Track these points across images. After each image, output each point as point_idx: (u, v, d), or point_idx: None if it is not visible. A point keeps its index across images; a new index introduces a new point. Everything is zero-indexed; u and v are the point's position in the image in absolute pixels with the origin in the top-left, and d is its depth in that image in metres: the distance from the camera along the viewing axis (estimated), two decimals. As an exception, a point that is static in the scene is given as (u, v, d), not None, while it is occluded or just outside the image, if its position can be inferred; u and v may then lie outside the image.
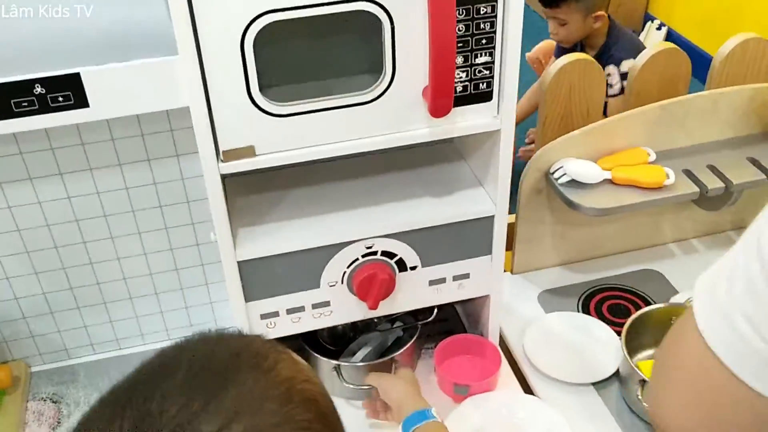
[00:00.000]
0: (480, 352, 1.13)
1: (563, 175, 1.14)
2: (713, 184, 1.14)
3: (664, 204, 1.14)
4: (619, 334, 1.13)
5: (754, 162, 1.18)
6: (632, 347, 1.07)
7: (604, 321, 1.19)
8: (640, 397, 1.01)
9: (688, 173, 1.16)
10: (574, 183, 1.14)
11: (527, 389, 1.12)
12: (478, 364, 1.12)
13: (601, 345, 1.15)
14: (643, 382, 1.01)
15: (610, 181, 1.15)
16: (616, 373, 1.09)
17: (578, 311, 1.22)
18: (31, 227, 1.05)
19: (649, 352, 1.11)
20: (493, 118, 0.92)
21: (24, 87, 0.77)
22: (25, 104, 0.78)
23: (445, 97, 0.85)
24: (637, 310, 1.21)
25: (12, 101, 0.77)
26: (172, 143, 1.04)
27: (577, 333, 1.17)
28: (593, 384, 1.09)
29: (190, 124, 0.82)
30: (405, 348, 1.11)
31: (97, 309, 1.16)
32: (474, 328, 1.19)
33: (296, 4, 0.78)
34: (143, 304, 1.18)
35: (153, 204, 1.08)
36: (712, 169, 1.17)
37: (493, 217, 1.01)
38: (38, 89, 0.77)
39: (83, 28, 0.79)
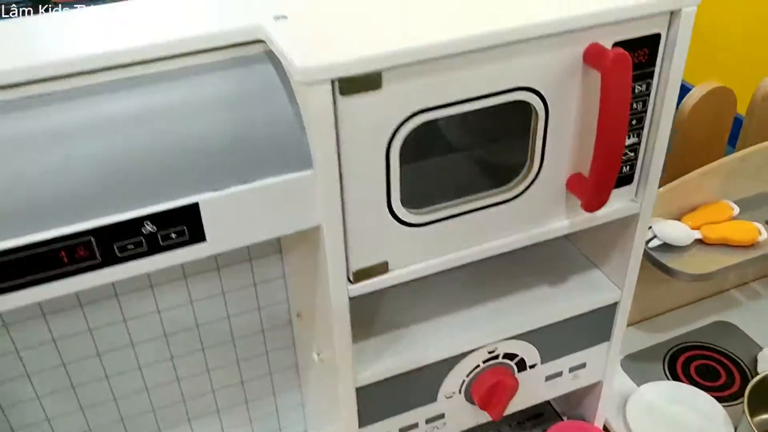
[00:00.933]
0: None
1: (653, 238, 1.06)
2: (802, 235, 1.09)
3: (759, 262, 1.08)
4: (718, 399, 1.07)
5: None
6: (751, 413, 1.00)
7: (696, 386, 1.12)
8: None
9: (771, 226, 1.11)
10: (665, 246, 1.07)
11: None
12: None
13: (704, 416, 1.08)
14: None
15: (701, 241, 1.08)
16: (732, 447, 1.02)
17: (667, 377, 1.14)
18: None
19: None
20: (631, 202, 0.82)
21: (131, 227, 0.61)
22: (131, 247, 0.62)
23: (606, 191, 0.74)
24: (724, 369, 1.15)
25: (115, 245, 0.61)
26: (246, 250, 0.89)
27: (678, 405, 1.09)
28: (711, 462, 1.02)
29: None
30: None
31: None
32: (571, 410, 1.09)
33: (450, 101, 0.66)
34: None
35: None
36: (795, 218, 1.12)
37: (617, 303, 0.91)
38: (148, 227, 0.61)
39: (193, 146, 0.63)
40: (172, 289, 0.86)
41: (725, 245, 1.07)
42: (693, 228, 1.08)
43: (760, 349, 1.18)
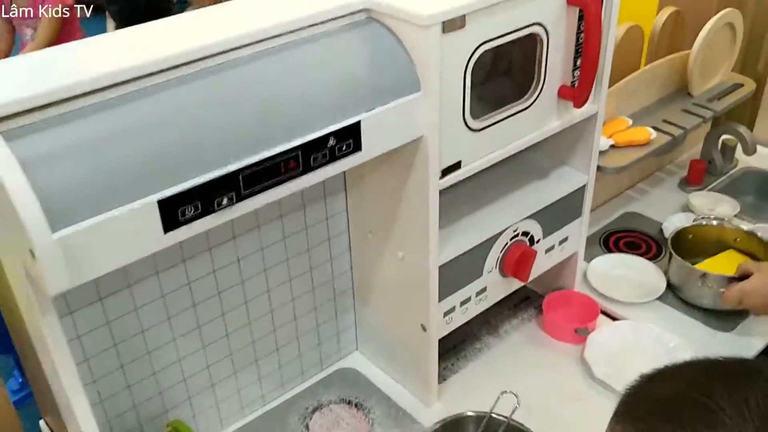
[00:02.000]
0: (569, 303, 1.37)
1: (583, 148, 1.43)
2: (676, 132, 1.51)
3: (653, 155, 1.48)
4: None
5: (688, 112, 1.58)
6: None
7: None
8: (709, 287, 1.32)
9: (656, 129, 1.51)
10: (591, 153, 1.43)
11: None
12: (576, 312, 1.35)
13: (640, 271, 1.46)
14: (703, 276, 1.33)
15: (614, 146, 1.46)
16: (668, 286, 1.41)
17: (605, 251, 1.52)
18: (202, 300, 1.06)
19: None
20: (592, 104, 1.16)
21: (321, 143, 0.85)
22: (320, 158, 0.86)
23: (589, 90, 1.08)
24: (643, 242, 1.54)
25: (311, 157, 0.85)
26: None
27: (621, 268, 1.46)
28: (657, 299, 1.40)
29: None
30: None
31: (251, 369, 1.18)
32: (550, 289, 1.40)
33: (500, 34, 0.96)
34: (286, 353, 1.22)
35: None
36: (667, 122, 1.54)
37: (585, 186, 1.26)
38: (331, 142, 0.86)
39: (350, 83, 0.88)
40: (269, 229, 1.08)
41: (630, 146, 1.46)
42: (608, 137, 1.46)
43: (661, 224, 1.59)
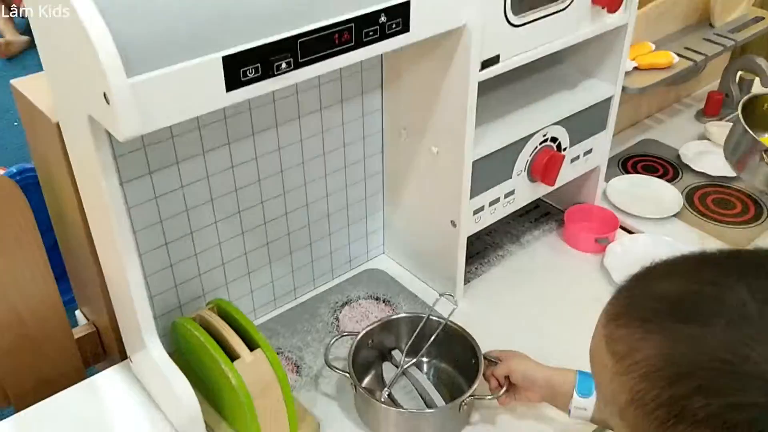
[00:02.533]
0: (589, 216, 1.41)
1: (608, 68, 1.46)
2: (698, 57, 1.54)
3: (675, 78, 1.52)
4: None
5: (709, 41, 1.61)
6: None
7: (644, 178, 1.55)
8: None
9: (678, 54, 1.54)
10: (615, 73, 1.47)
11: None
12: (596, 224, 1.40)
13: (656, 191, 1.50)
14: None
15: (637, 68, 1.49)
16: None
17: (623, 173, 1.56)
18: (243, 186, 1.10)
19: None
20: (623, 13, 1.19)
21: (373, 18, 0.87)
22: (371, 33, 0.89)
23: (624, -5, 1.12)
24: (660, 166, 1.58)
25: (363, 31, 0.88)
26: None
27: (639, 188, 1.51)
28: (674, 215, 1.44)
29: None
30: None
31: (285, 260, 1.22)
32: (570, 204, 1.44)
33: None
34: (318, 249, 1.26)
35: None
36: (689, 49, 1.57)
37: (612, 97, 1.29)
38: (382, 18, 0.89)
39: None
40: (309, 121, 1.12)
41: (653, 69, 1.50)
42: (632, 60, 1.49)
43: (677, 150, 1.63)
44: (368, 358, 1.14)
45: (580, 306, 1.25)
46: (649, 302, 0.58)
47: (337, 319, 1.22)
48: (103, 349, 1.28)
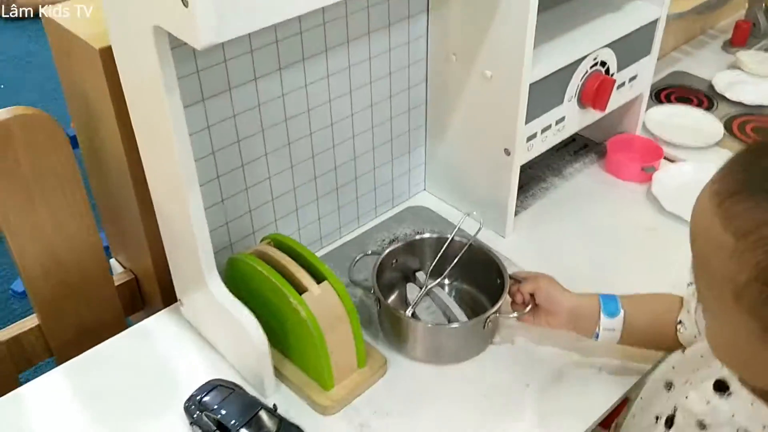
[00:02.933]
0: (631, 146, 1.38)
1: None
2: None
3: (709, 4, 1.48)
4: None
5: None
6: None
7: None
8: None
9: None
10: None
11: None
12: (639, 154, 1.37)
13: (695, 120, 1.47)
14: None
15: (672, -6, 1.46)
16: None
17: (654, 100, 1.54)
18: (293, 115, 1.05)
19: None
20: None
21: None
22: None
23: None
24: (693, 96, 1.55)
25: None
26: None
27: (676, 117, 1.48)
28: (715, 144, 1.42)
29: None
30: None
31: (331, 196, 1.18)
32: (610, 136, 1.41)
33: None
34: (363, 184, 1.22)
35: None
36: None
37: (657, 20, 1.25)
38: None
39: None
40: (357, 45, 1.07)
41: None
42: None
43: (709, 81, 1.60)
44: (393, 279, 1.12)
45: (631, 234, 1.24)
46: None
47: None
48: (141, 298, 1.23)
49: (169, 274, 1.04)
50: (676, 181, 1.31)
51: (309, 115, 1.06)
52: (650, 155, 1.35)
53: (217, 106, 0.95)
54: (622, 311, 0.95)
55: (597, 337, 0.96)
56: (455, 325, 1.04)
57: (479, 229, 1.09)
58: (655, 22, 1.25)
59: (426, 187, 1.32)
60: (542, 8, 1.18)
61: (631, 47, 1.23)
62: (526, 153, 1.16)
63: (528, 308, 1.01)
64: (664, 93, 1.57)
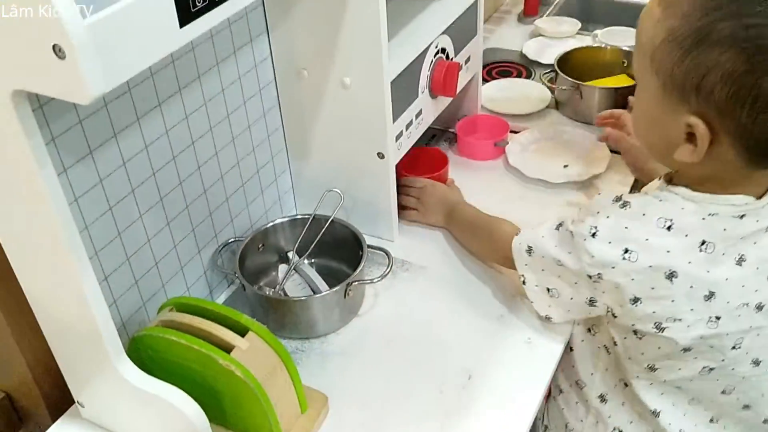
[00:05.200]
0: (477, 126, 1.42)
1: None
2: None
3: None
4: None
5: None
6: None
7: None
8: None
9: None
10: None
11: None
12: (487, 132, 1.41)
13: (525, 88, 1.55)
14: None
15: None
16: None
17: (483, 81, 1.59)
18: (160, 167, 0.95)
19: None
20: None
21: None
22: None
23: None
24: (514, 70, 1.63)
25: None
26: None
27: (506, 90, 1.54)
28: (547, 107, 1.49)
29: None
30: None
31: (212, 244, 1.08)
32: (453, 122, 1.44)
33: None
34: (239, 223, 1.14)
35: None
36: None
37: (477, 0, 1.29)
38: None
39: None
40: (209, 79, 0.99)
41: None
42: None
43: (519, 51, 1.68)
44: (264, 262, 1.14)
45: (506, 209, 1.25)
46: None
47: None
48: (19, 418, 1.06)
49: (52, 380, 0.91)
50: (528, 148, 1.37)
51: (175, 163, 0.97)
52: (498, 131, 1.39)
53: (80, 174, 0.83)
54: None
55: None
56: (313, 296, 1.06)
57: (340, 204, 1.11)
58: (476, 3, 1.29)
59: (298, 210, 1.27)
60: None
61: (461, 30, 1.26)
62: (397, 152, 1.14)
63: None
64: (485, 71, 1.64)
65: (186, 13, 0.66)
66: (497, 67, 1.65)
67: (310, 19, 1.04)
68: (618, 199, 0.85)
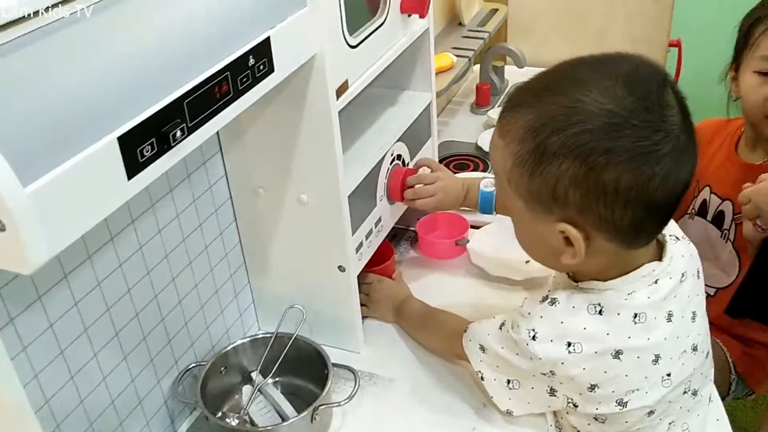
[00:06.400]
0: (437, 224, 1.41)
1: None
2: (469, 53, 1.63)
3: (458, 77, 1.58)
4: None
5: (468, 37, 1.71)
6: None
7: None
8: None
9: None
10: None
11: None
12: (447, 230, 1.40)
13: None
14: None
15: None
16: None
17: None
18: (114, 302, 0.91)
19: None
20: (424, 20, 1.21)
21: (243, 62, 0.77)
22: (245, 79, 0.78)
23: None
24: (471, 163, 1.64)
25: (238, 79, 0.77)
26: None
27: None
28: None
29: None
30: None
31: (172, 373, 1.04)
32: (412, 221, 1.42)
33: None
34: (200, 347, 1.10)
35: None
36: (456, 48, 1.65)
37: (431, 102, 1.30)
38: (251, 61, 0.79)
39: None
40: (163, 207, 0.97)
41: (440, 73, 1.55)
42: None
43: (474, 143, 1.70)
44: (227, 384, 1.11)
45: (471, 311, 1.25)
46: (520, 93, 0.83)
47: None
48: None
49: None
50: (490, 245, 1.36)
51: (131, 295, 0.94)
52: (458, 228, 1.39)
53: (28, 322, 0.80)
54: None
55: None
56: (278, 425, 1.02)
57: (302, 321, 1.09)
58: (428, 107, 1.31)
59: (260, 326, 1.23)
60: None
61: (416, 134, 1.27)
62: (358, 264, 1.13)
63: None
64: (443, 164, 1.64)
65: (134, 164, 0.65)
66: (454, 160, 1.66)
67: (263, 141, 1.03)
68: (545, 298, 0.90)
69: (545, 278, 1.27)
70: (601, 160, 0.76)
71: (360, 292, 1.22)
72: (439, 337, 1.13)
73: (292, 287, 1.16)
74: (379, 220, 1.18)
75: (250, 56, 0.79)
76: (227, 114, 0.76)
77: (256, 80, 0.81)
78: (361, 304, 1.21)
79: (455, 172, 1.59)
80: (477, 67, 1.94)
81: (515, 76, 1.93)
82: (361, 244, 1.13)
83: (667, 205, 0.81)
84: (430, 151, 1.34)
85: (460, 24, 1.77)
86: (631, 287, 0.86)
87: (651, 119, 0.77)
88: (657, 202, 0.79)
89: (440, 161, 1.64)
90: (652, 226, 0.84)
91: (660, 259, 0.88)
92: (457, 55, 1.61)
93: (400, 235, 1.44)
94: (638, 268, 0.86)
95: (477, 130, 1.76)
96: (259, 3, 0.83)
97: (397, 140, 1.19)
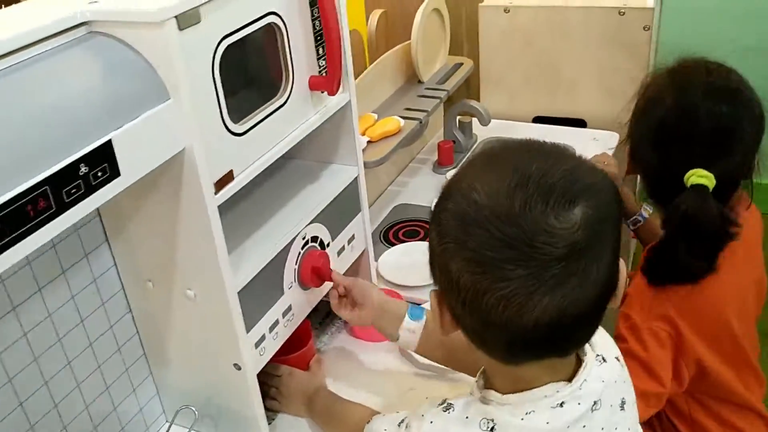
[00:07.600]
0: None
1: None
2: (421, 115, 1.55)
3: (406, 141, 1.50)
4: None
5: (424, 96, 1.63)
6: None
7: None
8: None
9: (402, 117, 1.54)
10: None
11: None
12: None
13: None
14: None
15: (370, 141, 1.45)
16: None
17: (388, 245, 1.51)
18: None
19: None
20: (343, 93, 1.13)
21: (70, 172, 0.71)
22: (74, 190, 0.72)
23: (338, 77, 1.05)
24: (422, 230, 1.56)
25: (64, 191, 0.70)
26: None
27: (409, 255, 1.46)
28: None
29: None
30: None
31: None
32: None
33: (236, 27, 0.89)
34: None
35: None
36: (409, 109, 1.57)
37: (357, 177, 1.22)
38: (83, 169, 0.72)
39: (82, 103, 0.75)
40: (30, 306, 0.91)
41: (384, 138, 1.47)
42: (363, 135, 1.45)
43: (429, 207, 1.61)
44: None
45: (397, 398, 1.16)
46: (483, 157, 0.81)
47: None
48: None
49: None
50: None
51: (12, 385, 0.87)
52: (393, 307, 1.30)
53: None
54: (425, 319, 1.08)
55: (398, 338, 1.08)
56: None
57: (193, 422, 1.04)
58: (355, 181, 1.23)
59: (168, 418, 1.16)
60: (234, 201, 1.12)
61: (340, 211, 1.19)
62: (259, 359, 1.05)
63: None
64: (392, 231, 1.57)
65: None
66: (405, 227, 1.58)
67: (146, 233, 0.96)
68: (443, 402, 0.82)
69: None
70: (450, 247, 0.72)
71: (271, 385, 1.15)
72: (343, 430, 1.07)
73: (196, 382, 1.08)
74: (289, 308, 1.10)
75: (81, 164, 0.72)
76: (45, 233, 0.70)
77: (93, 188, 0.74)
78: (272, 398, 1.14)
79: (404, 241, 1.53)
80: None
81: (484, 132, 1.85)
82: (263, 338, 1.05)
83: (522, 329, 0.69)
84: (360, 226, 1.26)
85: (419, 81, 1.69)
86: (530, 406, 0.76)
87: (513, 234, 0.67)
88: (496, 322, 0.69)
89: (388, 229, 1.58)
90: (519, 345, 0.73)
91: (571, 380, 0.78)
92: (408, 117, 1.52)
93: (333, 315, 1.35)
94: (541, 386, 0.76)
95: (436, 192, 1.66)
96: (105, 100, 0.77)
97: (312, 221, 1.12)
